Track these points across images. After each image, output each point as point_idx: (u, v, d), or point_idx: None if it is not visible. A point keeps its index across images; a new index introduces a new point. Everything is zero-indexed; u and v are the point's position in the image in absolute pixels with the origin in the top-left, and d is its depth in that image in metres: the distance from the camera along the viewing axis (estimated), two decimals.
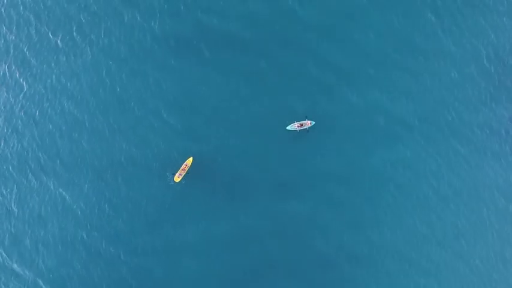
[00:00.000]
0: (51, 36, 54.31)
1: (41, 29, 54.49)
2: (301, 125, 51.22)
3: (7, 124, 52.46)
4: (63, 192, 50.53)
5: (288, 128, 51.36)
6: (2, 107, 52.93)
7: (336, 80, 52.60)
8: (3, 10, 55.03)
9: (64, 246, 49.29)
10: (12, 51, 54.22)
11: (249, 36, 53.76)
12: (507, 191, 50.36)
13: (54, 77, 53.16)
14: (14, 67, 53.56)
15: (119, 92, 52.74)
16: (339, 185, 50.31)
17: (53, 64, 53.39)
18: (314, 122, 51.47)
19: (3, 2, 55.10)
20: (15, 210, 50.57)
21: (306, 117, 51.48)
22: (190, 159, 50.18)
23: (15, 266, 49.11)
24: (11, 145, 51.90)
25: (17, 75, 53.45)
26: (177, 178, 49.84)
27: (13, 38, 54.39)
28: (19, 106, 52.90)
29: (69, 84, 52.93)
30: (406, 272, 48.68)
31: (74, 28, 54.46)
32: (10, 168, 51.57)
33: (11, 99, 52.95)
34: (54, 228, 49.89)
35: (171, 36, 53.71)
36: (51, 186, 50.54)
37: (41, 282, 48.85)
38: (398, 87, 52.43)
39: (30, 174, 51.15)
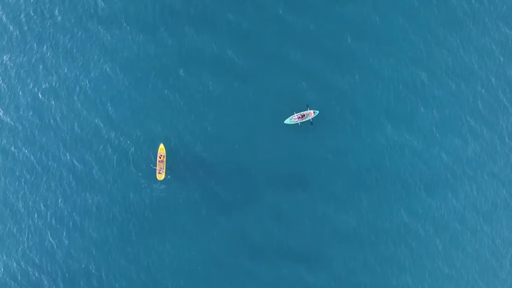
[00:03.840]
0: None
1: None
2: (303, 116, 46.86)
3: None
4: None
5: (287, 121, 46.90)
6: None
7: (342, 61, 47.91)
8: None
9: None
10: None
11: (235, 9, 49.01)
12: None
13: None
14: None
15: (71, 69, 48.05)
16: (346, 185, 46.63)
17: None
18: (318, 112, 46.89)
19: None
20: None
21: (307, 107, 46.93)
22: (162, 146, 46.06)
23: None
24: None
25: None
26: (159, 175, 45.78)
27: None
28: None
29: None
30: None
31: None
32: None
33: None
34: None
35: (130, 12, 48.64)
36: None
37: None
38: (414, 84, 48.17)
39: None
